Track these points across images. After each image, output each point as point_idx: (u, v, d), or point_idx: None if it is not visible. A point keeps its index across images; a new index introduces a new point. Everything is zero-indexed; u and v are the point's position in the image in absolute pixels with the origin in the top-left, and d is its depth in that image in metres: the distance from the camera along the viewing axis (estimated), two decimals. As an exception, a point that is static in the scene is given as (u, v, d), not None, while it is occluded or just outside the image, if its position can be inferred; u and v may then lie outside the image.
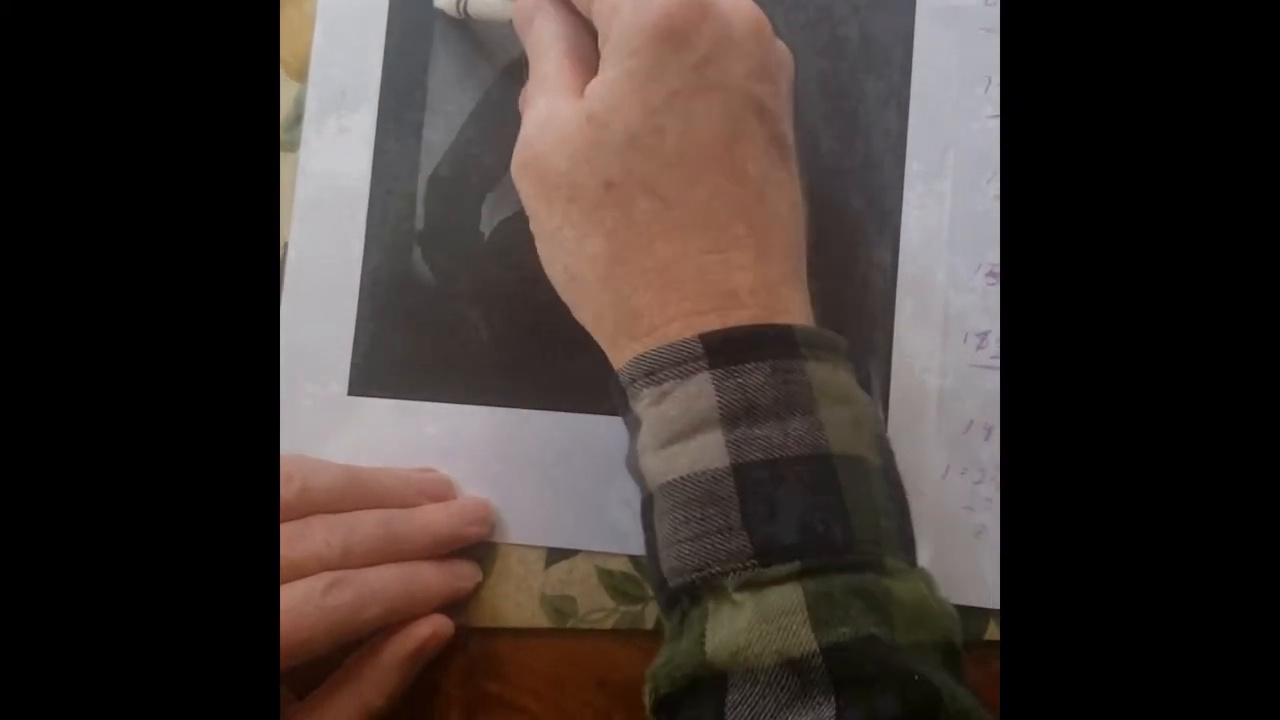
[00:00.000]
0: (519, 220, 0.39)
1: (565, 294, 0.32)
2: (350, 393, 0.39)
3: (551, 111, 0.31)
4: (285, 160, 0.40)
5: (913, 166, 0.38)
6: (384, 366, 0.39)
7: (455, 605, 0.37)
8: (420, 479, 0.37)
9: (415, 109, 0.39)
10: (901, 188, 0.38)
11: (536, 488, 0.38)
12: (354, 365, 0.39)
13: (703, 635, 0.27)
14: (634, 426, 0.30)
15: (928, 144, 0.38)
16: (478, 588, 0.37)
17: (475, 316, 0.39)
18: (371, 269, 0.39)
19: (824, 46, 0.39)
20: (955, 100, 0.38)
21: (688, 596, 0.28)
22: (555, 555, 0.38)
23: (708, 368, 0.28)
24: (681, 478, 0.28)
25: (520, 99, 0.35)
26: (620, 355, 0.31)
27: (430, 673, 0.37)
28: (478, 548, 0.37)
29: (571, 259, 0.31)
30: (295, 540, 0.33)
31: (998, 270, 0.37)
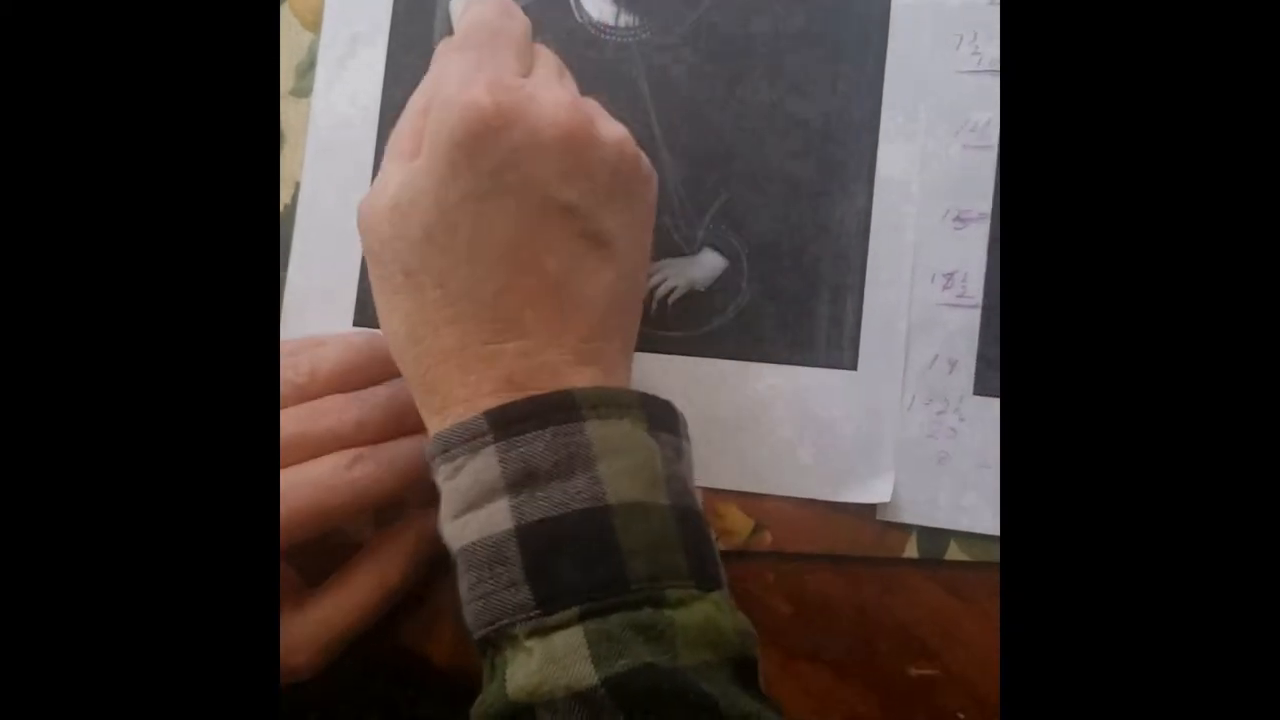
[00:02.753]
0: (517, 165, 0.42)
1: (396, 360, 0.34)
2: (355, 323, 0.41)
3: (384, 180, 0.33)
4: (298, 105, 0.42)
5: (887, 119, 0.40)
6: (387, 300, 0.41)
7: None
8: None
9: (423, 56, 0.42)
10: (877, 138, 0.40)
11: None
12: (359, 298, 0.41)
13: (504, 679, 0.30)
14: (440, 497, 0.33)
15: (902, 97, 0.40)
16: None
17: (474, 254, 0.41)
18: (377, 208, 0.41)
19: (807, 4, 0.41)
20: (929, 56, 0.40)
21: (491, 646, 0.31)
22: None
23: (493, 441, 0.31)
24: (472, 543, 0.31)
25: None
26: (426, 422, 0.33)
27: (426, 587, 0.39)
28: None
29: (383, 325, 0.34)
30: (314, 417, 0.35)
31: (964, 215, 0.39)
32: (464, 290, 0.32)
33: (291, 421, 0.35)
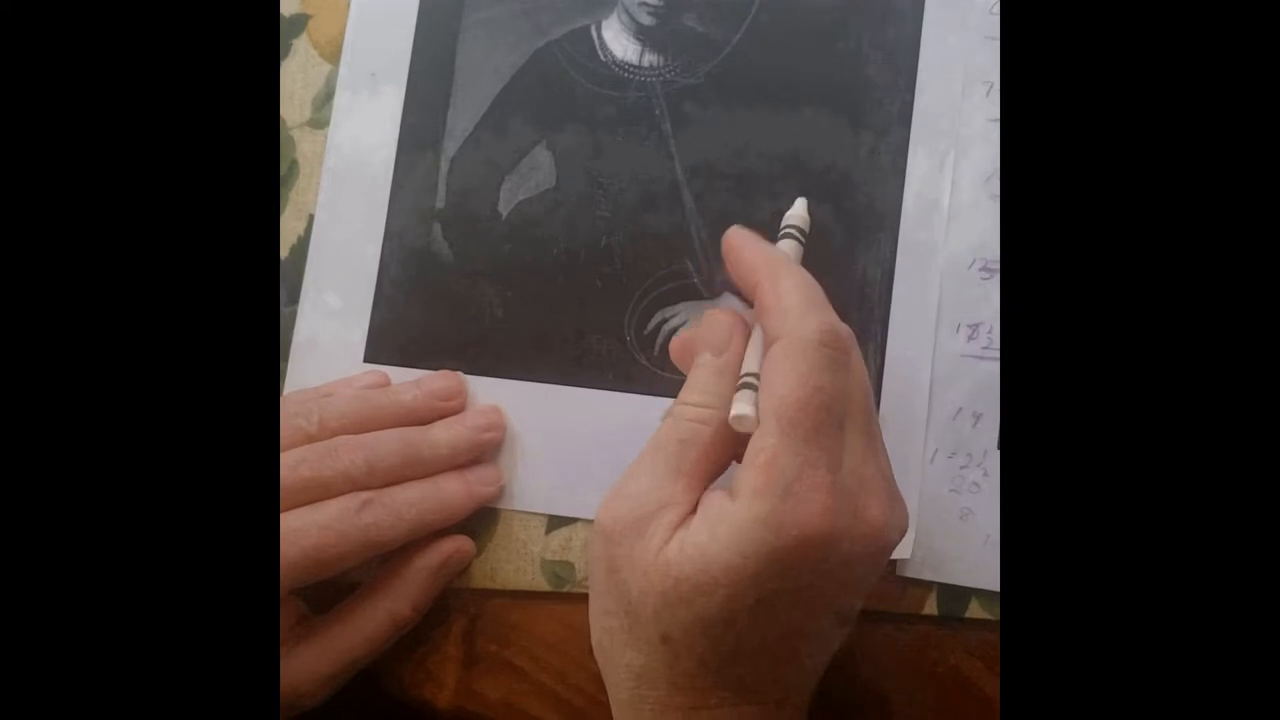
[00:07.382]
0: (535, 202, 0.41)
1: (596, 654, 0.33)
2: (366, 359, 0.40)
3: (656, 523, 0.30)
4: (315, 137, 0.42)
5: (914, 167, 0.40)
6: (399, 336, 0.40)
7: (459, 567, 0.38)
8: (428, 381, 0.39)
9: (441, 92, 0.41)
10: (903, 186, 0.40)
11: (541, 457, 0.39)
12: (371, 333, 0.40)
13: None
14: None
15: (929, 145, 0.40)
16: (480, 551, 0.39)
17: (490, 293, 0.40)
18: (392, 243, 0.41)
19: (835, 50, 0.41)
20: (957, 105, 0.40)
21: None
22: (556, 522, 0.39)
23: None
24: None
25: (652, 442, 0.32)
26: None
27: (431, 631, 0.38)
28: (482, 513, 0.39)
29: (610, 650, 0.32)
30: (325, 459, 0.35)
31: (991, 265, 0.39)
32: (717, 668, 0.30)
33: (302, 463, 0.35)
